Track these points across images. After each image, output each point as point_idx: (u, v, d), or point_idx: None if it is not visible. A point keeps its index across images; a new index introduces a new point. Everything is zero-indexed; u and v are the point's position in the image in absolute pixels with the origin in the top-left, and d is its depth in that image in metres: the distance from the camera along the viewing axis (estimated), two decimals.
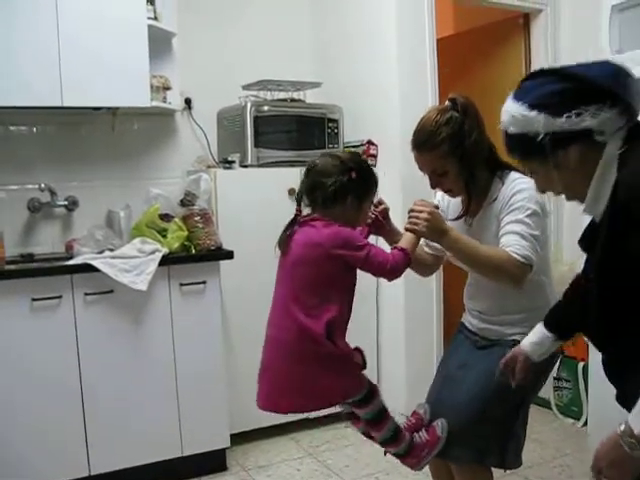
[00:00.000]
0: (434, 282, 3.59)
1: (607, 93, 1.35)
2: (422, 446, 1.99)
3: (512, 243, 1.88)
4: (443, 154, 1.98)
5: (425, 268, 2.32)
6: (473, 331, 2.20)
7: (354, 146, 3.69)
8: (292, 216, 1.95)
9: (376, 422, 1.96)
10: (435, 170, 2.03)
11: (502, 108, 1.51)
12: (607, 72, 1.38)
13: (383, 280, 1.96)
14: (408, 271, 1.99)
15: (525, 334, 1.89)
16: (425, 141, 2.00)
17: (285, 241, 1.92)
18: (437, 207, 2.01)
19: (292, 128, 3.61)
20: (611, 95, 1.35)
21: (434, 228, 1.89)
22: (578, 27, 3.82)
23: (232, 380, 3.26)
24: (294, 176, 3.47)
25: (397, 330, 3.68)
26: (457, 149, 1.97)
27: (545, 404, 3.79)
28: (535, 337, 1.81)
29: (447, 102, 2.04)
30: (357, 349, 1.97)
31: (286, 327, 1.86)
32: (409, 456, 2.00)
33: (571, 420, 3.65)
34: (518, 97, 1.46)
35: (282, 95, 3.72)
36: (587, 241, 1.54)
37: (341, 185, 1.89)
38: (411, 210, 1.93)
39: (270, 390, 1.92)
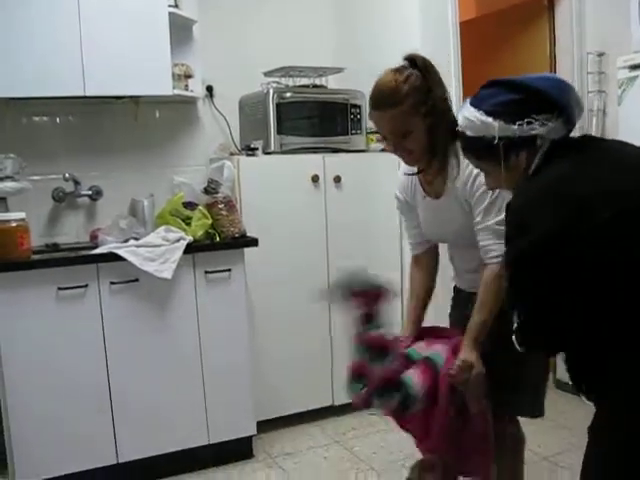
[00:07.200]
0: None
1: (555, 104, 1.52)
2: None
3: (490, 248, 1.93)
4: (407, 110, 1.89)
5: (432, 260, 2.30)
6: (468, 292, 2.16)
7: (377, 132, 3.64)
8: None
9: None
10: (397, 130, 1.93)
11: (459, 112, 1.67)
12: (554, 85, 1.55)
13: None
14: None
15: None
16: (387, 97, 1.90)
17: None
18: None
19: (315, 114, 3.57)
20: (558, 106, 1.52)
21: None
22: (605, 8, 3.73)
23: (258, 368, 3.26)
24: (317, 162, 3.45)
25: None
26: (421, 105, 1.89)
27: (573, 390, 3.74)
28: None
29: (404, 61, 1.96)
30: None
31: None
32: None
33: None
34: (475, 104, 1.61)
35: (304, 81, 3.68)
36: None
37: None
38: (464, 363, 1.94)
39: None
